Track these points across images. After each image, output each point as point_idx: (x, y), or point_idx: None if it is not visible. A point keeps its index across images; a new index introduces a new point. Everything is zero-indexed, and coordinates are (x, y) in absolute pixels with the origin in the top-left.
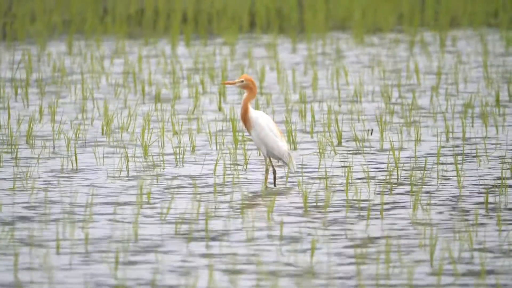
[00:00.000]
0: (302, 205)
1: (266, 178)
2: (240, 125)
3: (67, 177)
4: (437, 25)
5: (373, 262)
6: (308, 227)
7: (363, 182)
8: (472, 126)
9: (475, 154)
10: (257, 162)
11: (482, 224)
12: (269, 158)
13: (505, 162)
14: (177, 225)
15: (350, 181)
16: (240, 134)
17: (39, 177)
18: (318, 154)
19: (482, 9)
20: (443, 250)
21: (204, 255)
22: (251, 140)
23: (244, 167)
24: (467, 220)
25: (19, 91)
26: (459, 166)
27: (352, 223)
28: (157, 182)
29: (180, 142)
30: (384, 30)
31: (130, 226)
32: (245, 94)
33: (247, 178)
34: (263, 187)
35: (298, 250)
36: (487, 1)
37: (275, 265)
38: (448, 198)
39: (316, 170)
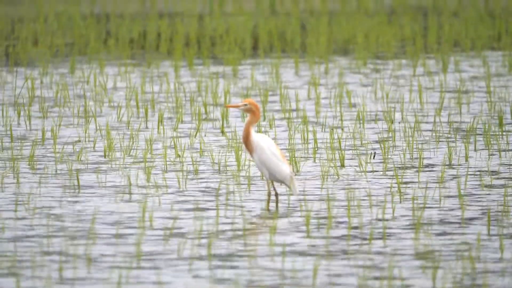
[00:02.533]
0: (304, 227)
1: (268, 201)
2: (243, 148)
3: (70, 199)
4: (440, 49)
5: (375, 283)
6: (311, 248)
7: (366, 204)
8: (475, 149)
9: (478, 177)
10: (260, 184)
11: (484, 246)
12: (272, 181)
13: (507, 185)
14: (180, 246)
15: (352, 203)
16: (243, 157)
17: (41, 199)
18: (321, 176)
19: (485, 33)
20: (445, 271)
21: (207, 276)
22: (254, 162)
23: (247, 189)
24: (469, 241)
25: (21, 113)
26: (462, 188)
27: (354, 245)
28: (159, 204)
29: (182, 164)
30: (387, 53)
31: (133, 247)
32: (248, 118)
33: (250, 200)
34: (265, 210)
35: (301, 271)
36: (489, 25)
37: (277, 286)
38: (450, 220)
39: (319, 192)
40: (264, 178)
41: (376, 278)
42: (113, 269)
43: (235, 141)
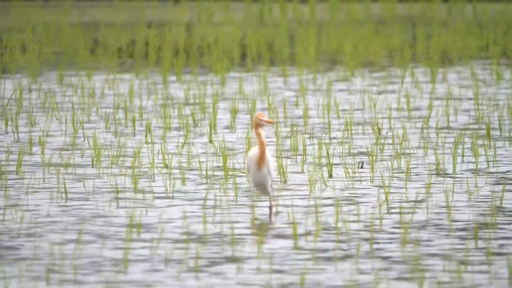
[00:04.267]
0: (291, 237)
1: (270, 214)
2: (231, 156)
3: (57, 208)
4: (428, 59)
5: None
6: (298, 256)
7: (354, 213)
8: (463, 159)
9: (465, 188)
10: (247, 194)
11: (471, 257)
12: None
13: (495, 196)
14: (167, 256)
15: (340, 213)
16: (230, 165)
17: (28, 207)
18: (309, 185)
19: (473, 43)
20: (432, 280)
21: (194, 284)
22: (241, 172)
23: (235, 197)
24: (456, 253)
25: (9, 121)
26: (449, 199)
27: (341, 253)
28: (146, 212)
29: (170, 174)
30: (375, 64)
31: (120, 257)
32: (264, 133)
33: (237, 208)
34: (253, 218)
35: (287, 282)
36: (478, 35)
37: None
38: (438, 232)
39: (307, 201)
40: (265, 193)
41: (363, 286)
42: (100, 275)
43: (223, 150)
